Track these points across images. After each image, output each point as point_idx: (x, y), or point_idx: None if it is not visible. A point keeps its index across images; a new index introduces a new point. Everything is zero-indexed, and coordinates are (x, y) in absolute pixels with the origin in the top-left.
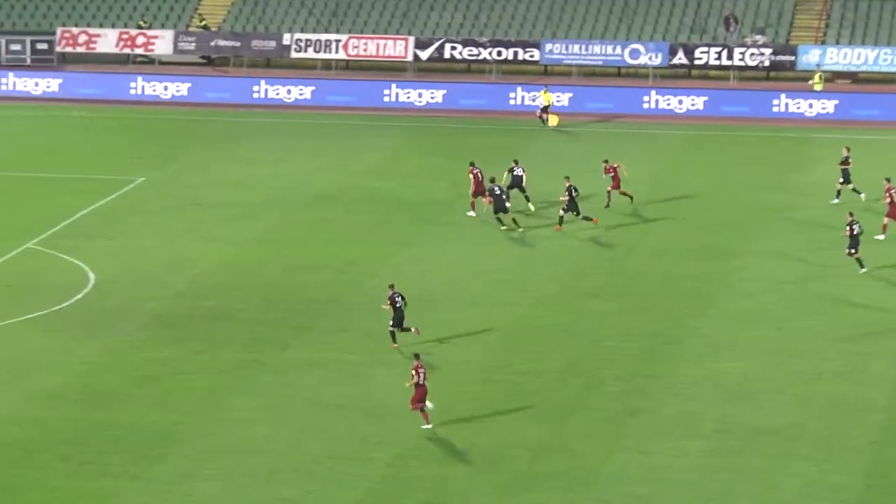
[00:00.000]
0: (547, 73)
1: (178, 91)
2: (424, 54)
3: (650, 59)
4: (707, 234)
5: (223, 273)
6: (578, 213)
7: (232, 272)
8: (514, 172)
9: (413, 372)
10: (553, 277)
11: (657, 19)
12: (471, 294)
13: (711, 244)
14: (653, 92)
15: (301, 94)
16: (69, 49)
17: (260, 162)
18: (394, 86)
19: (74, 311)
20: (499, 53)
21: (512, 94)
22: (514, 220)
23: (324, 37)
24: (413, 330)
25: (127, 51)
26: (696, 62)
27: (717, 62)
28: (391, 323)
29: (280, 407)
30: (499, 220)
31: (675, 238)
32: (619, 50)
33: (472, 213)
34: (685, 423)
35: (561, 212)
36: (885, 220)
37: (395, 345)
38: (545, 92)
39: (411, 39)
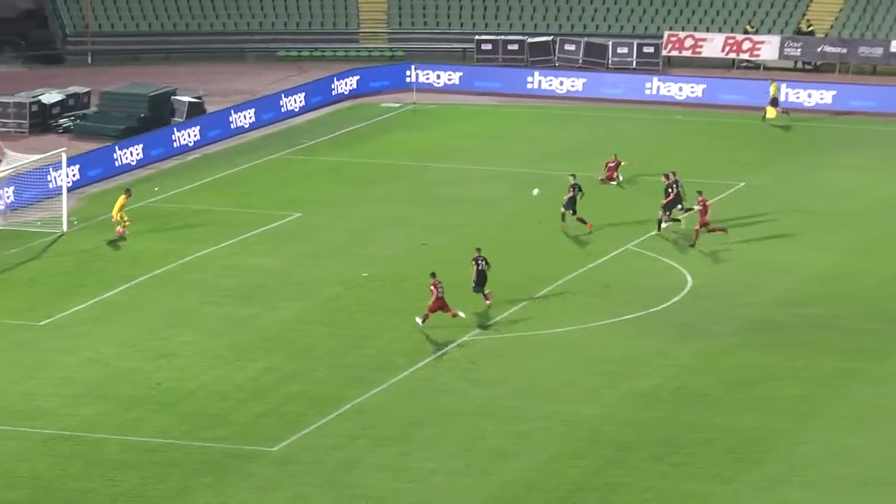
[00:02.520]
0: None
1: (752, 96)
2: None
3: None
4: None
5: (821, 281)
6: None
7: (830, 280)
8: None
9: (432, 288)
10: None
11: None
12: None
13: None
14: None
15: None
16: (675, 53)
17: (865, 171)
18: None
19: (670, 314)
20: None
21: None
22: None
23: None
24: (486, 294)
25: (732, 55)
26: None
27: None
28: (473, 284)
29: (875, 417)
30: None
31: None
32: None
33: None
34: None
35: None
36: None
37: (489, 302)
38: (773, 84)
39: None
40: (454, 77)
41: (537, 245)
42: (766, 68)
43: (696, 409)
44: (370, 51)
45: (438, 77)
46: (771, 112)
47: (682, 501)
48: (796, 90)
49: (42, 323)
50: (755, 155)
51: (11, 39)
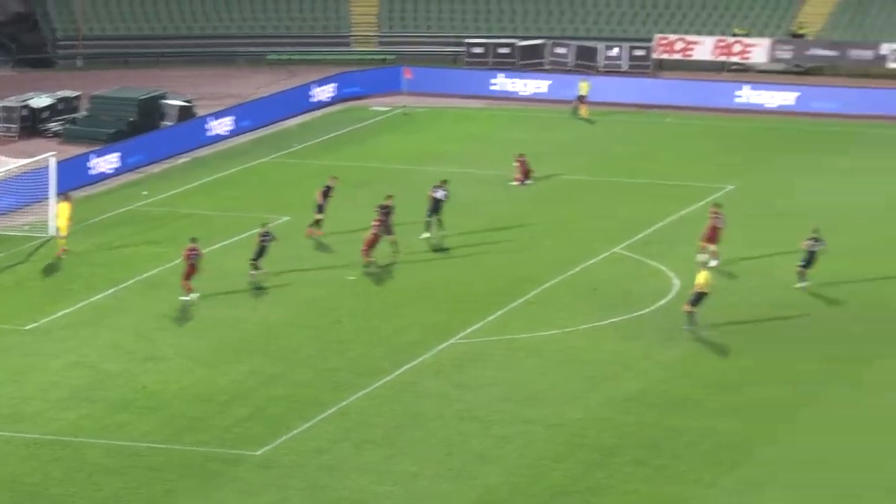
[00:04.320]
0: None
1: (742, 98)
2: None
3: None
4: None
5: (810, 284)
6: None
7: (819, 284)
8: (434, 195)
9: (186, 253)
10: None
11: None
12: None
13: None
14: None
15: None
16: (665, 56)
17: (853, 173)
18: None
19: (657, 317)
20: None
21: None
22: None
23: None
24: (260, 271)
25: (722, 58)
26: None
27: None
28: (252, 257)
29: (857, 421)
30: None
31: None
32: None
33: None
34: None
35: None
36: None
37: (255, 272)
38: (583, 81)
39: None
40: (542, 85)
41: (523, 248)
42: (756, 71)
43: (679, 413)
44: (361, 54)
45: (525, 85)
46: (584, 110)
47: None
48: (759, 91)
49: (28, 327)
50: (745, 157)
51: (2, 42)
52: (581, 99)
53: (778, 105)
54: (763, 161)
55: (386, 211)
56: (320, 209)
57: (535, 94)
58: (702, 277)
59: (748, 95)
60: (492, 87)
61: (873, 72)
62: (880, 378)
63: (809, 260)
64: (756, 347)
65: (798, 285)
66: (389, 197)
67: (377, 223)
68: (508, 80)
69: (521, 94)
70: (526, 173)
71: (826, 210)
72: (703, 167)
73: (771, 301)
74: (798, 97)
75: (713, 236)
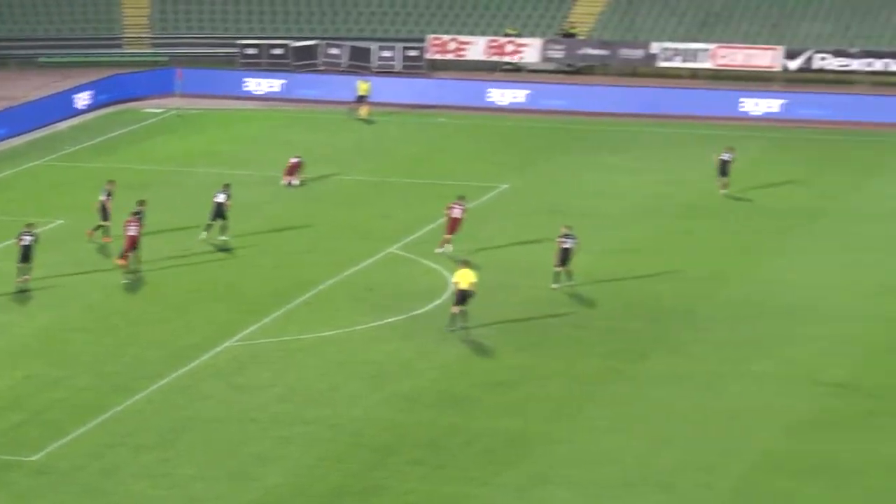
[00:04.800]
0: None
1: (516, 98)
2: (793, 64)
3: None
4: None
5: (580, 281)
6: None
7: (591, 281)
8: (216, 199)
9: None
10: None
11: None
12: (838, 306)
13: None
14: None
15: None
16: (438, 56)
17: (623, 171)
18: (746, 98)
19: (432, 316)
20: (869, 64)
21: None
22: None
23: (692, 46)
24: (26, 276)
25: (495, 58)
26: None
27: None
28: (18, 260)
29: (635, 417)
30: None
31: None
32: None
33: None
34: None
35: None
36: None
37: (26, 277)
38: (362, 82)
39: (781, 49)
40: (275, 84)
41: (301, 249)
42: (528, 70)
43: (456, 412)
44: (134, 56)
45: (259, 84)
46: (364, 110)
47: (442, 503)
48: (489, 90)
49: None
50: (518, 156)
51: None
52: (361, 99)
53: (508, 103)
54: (536, 160)
55: (139, 214)
56: (106, 216)
57: (269, 93)
58: (459, 276)
59: (492, 94)
60: (244, 88)
61: (643, 71)
62: (653, 374)
63: (564, 258)
64: (531, 346)
65: (553, 286)
66: (142, 202)
67: (134, 225)
68: (253, 80)
69: (254, 92)
70: (291, 172)
71: (595, 208)
72: (477, 166)
73: (543, 299)
74: (528, 94)
75: (454, 226)
